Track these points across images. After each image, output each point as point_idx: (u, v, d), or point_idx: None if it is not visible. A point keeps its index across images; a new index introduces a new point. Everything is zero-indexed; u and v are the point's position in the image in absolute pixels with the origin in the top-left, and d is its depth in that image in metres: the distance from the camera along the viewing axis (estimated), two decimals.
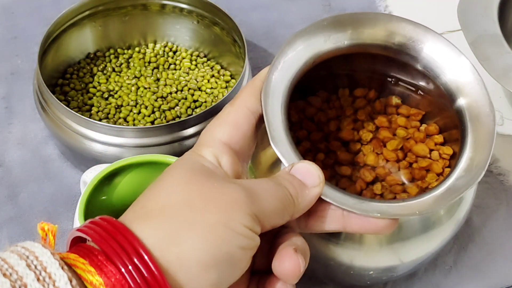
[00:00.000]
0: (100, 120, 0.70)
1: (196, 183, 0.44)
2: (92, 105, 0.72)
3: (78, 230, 0.42)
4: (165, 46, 0.78)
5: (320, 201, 0.48)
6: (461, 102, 0.56)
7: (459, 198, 0.56)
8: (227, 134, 0.48)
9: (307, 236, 0.49)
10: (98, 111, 0.71)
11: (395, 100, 0.62)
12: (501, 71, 0.67)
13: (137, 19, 0.77)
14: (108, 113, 0.71)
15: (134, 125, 0.70)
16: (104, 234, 0.41)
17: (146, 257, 0.40)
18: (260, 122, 0.50)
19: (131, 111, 0.71)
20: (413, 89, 0.61)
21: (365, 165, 0.58)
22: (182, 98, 0.73)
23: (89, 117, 0.69)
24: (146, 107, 0.72)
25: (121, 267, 0.40)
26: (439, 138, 0.59)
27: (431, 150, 0.59)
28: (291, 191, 0.46)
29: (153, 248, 0.41)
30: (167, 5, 0.76)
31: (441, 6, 0.80)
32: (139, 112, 0.71)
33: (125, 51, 0.77)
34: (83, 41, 0.76)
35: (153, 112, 0.71)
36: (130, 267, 0.40)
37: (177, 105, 0.72)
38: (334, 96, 0.62)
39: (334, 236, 0.54)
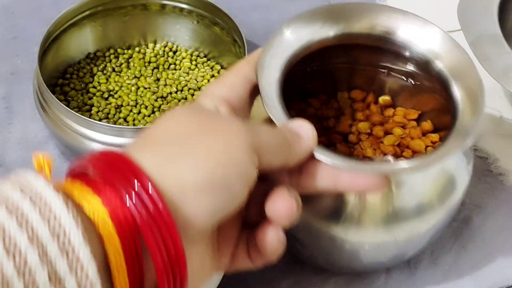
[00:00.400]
0: (100, 120, 0.70)
1: (196, 117, 0.46)
2: (92, 105, 0.72)
3: (78, 160, 0.43)
4: (165, 46, 0.78)
5: (312, 160, 0.49)
6: (440, 65, 0.58)
7: (451, 185, 0.57)
8: (225, 92, 0.50)
9: (307, 218, 0.51)
10: (98, 111, 0.71)
11: (383, 98, 0.63)
12: (501, 71, 0.67)
13: (137, 19, 0.77)
14: (108, 113, 0.71)
15: (134, 125, 0.70)
16: (104, 161, 0.41)
17: (146, 181, 0.40)
18: (255, 92, 0.52)
19: (131, 111, 0.71)
20: (408, 71, 0.62)
21: (364, 157, 0.59)
22: (182, 98, 0.73)
23: (89, 117, 0.69)
24: (146, 107, 0.72)
25: (121, 190, 0.40)
26: (435, 137, 0.60)
27: (427, 147, 0.59)
28: (288, 136, 0.48)
29: (152, 172, 0.41)
30: (167, 5, 0.76)
31: (441, 6, 0.80)
32: (139, 112, 0.71)
33: (125, 51, 0.77)
34: (83, 41, 0.76)
35: (153, 112, 0.71)
36: (131, 191, 0.40)
37: (177, 105, 0.72)
38: (333, 100, 0.63)
39: (333, 216, 0.55)
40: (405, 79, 0.63)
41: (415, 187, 0.56)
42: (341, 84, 0.65)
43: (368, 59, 0.63)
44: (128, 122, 0.71)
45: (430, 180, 0.56)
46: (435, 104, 0.61)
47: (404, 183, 0.55)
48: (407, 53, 0.60)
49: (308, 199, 0.55)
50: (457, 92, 0.57)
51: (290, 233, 0.58)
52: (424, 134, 0.61)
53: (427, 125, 0.62)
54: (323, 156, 0.50)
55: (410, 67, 0.61)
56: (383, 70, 0.63)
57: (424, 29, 0.59)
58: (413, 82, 0.62)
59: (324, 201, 0.55)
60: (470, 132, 0.53)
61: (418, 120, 0.63)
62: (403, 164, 0.53)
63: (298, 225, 0.57)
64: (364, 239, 0.57)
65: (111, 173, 0.41)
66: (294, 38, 0.58)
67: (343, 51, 0.62)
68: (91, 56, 0.76)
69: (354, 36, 0.60)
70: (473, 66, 0.57)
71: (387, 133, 0.62)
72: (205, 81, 0.74)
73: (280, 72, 0.55)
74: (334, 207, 0.55)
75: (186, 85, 0.74)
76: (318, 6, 0.60)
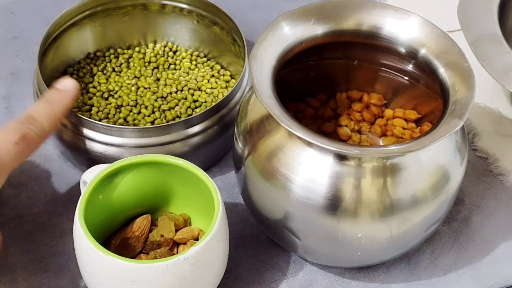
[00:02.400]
0: (100, 120, 0.70)
1: None
2: (92, 105, 0.72)
3: None
4: (165, 46, 0.78)
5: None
6: (426, 52, 0.59)
7: (445, 179, 0.57)
8: None
9: (306, 210, 0.53)
10: (98, 111, 0.71)
11: (375, 96, 0.64)
12: (501, 71, 0.67)
13: (137, 19, 0.77)
14: (108, 113, 0.71)
15: (134, 125, 0.70)
16: None
17: None
18: None
19: (131, 111, 0.71)
20: (402, 66, 0.63)
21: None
22: (182, 98, 0.73)
23: (89, 117, 0.69)
24: (146, 107, 0.72)
25: None
26: None
27: None
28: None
29: None
30: (167, 5, 0.76)
31: (441, 6, 0.80)
32: (139, 112, 0.71)
33: (125, 51, 0.77)
34: (83, 41, 0.76)
35: (153, 112, 0.71)
36: None
37: (177, 105, 0.72)
38: (332, 100, 0.64)
39: (329, 207, 0.56)
40: (400, 76, 0.63)
41: (409, 179, 0.56)
42: (338, 84, 0.65)
43: (361, 57, 0.63)
44: (128, 122, 0.71)
45: (424, 172, 0.56)
46: (434, 105, 0.61)
47: (399, 175, 0.56)
48: (397, 47, 0.61)
49: (304, 192, 0.56)
50: (446, 74, 0.57)
51: (287, 226, 0.58)
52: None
53: (426, 128, 0.62)
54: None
55: (402, 61, 0.62)
56: (378, 68, 0.64)
57: (406, 20, 0.60)
58: (408, 79, 0.63)
59: (321, 192, 0.56)
60: (464, 110, 0.54)
61: (417, 123, 0.63)
62: (400, 145, 0.53)
63: (295, 217, 0.57)
64: (360, 231, 0.57)
65: None
66: (287, 32, 0.58)
67: (337, 49, 0.63)
68: (91, 56, 0.76)
69: (344, 33, 0.61)
70: (457, 46, 0.58)
71: (385, 134, 0.63)
72: (205, 81, 0.74)
73: (273, 63, 0.56)
74: (331, 198, 0.56)
75: (186, 85, 0.74)
76: (311, 3, 0.60)
